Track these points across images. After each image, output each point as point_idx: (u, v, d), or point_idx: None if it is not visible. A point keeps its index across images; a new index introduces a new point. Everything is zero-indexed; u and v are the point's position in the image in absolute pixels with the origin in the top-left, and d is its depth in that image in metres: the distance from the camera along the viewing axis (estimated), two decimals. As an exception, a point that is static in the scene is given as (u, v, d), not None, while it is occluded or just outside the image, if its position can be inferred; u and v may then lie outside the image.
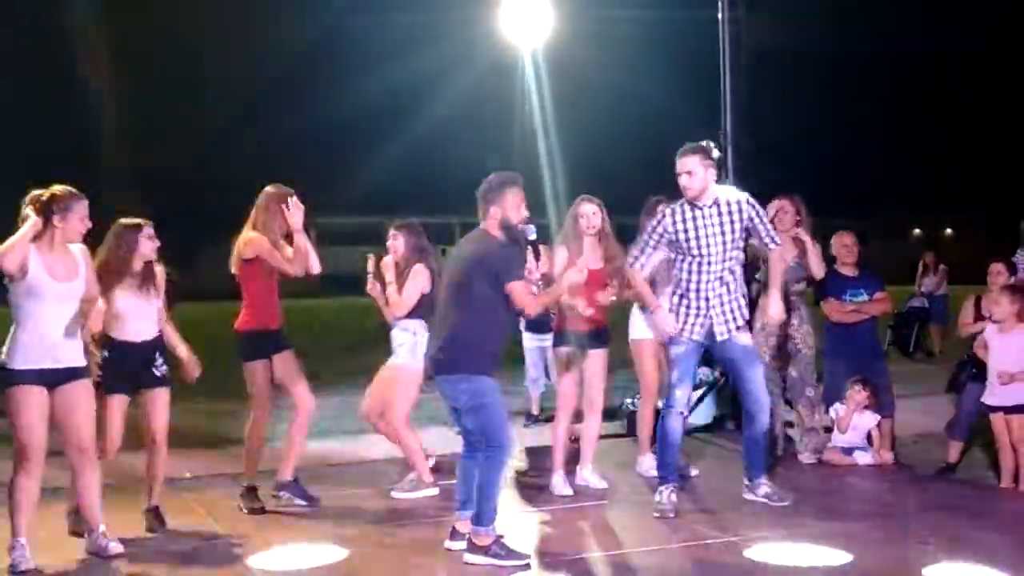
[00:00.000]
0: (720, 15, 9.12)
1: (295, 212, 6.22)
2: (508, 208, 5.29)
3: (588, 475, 6.91)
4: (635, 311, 7.23)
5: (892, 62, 59.12)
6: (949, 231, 63.05)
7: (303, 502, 6.44)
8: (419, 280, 6.65)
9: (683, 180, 6.03)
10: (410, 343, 6.67)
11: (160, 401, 5.95)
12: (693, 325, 6.18)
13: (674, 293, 6.24)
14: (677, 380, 6.23)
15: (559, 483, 6.74)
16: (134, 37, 48.92)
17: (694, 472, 7.14)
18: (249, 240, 6.32)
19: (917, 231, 61.68)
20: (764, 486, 6.31)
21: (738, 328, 6.21)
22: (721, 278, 6.13)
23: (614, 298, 6.82)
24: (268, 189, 6.44)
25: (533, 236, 5.35)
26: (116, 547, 5.41)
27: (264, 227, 6.32)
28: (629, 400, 9.00)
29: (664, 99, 48.06)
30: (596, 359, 6.80)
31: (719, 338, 6.17)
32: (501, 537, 5.27)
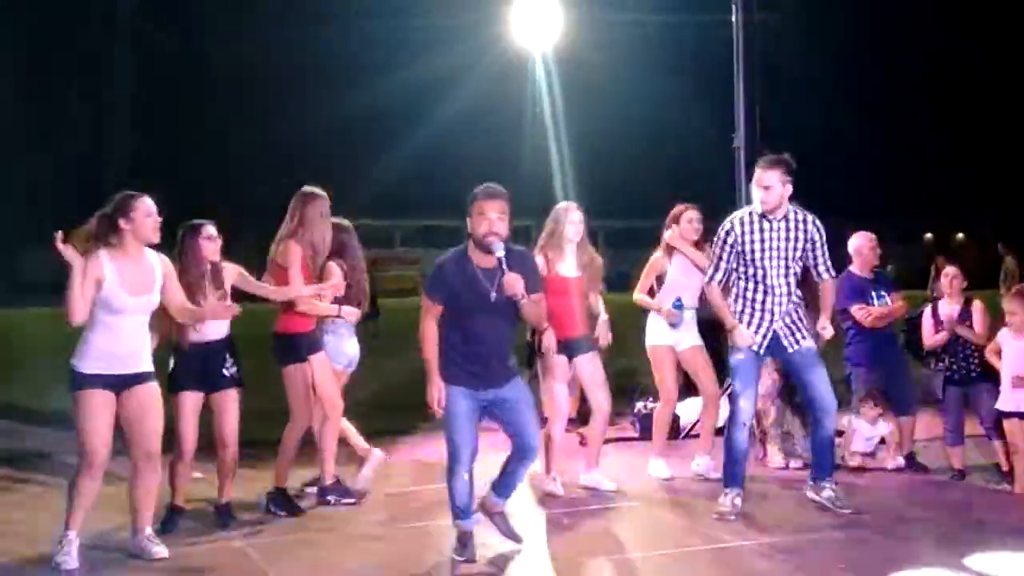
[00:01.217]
0: (734, 18, 9.11)
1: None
2: (471, 221, 5.24)
3: (598, 477, 6.91)
4: (651, 317, 7.23)
5: (904, 65, 59.05)
6: (960, 235, 62.87)
7: (351, 500, 6.50)
8: (331, 279, 6.64)
9: (760, 194, 6.01)
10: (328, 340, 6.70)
11: (229, 402, 5.95)
12: (755, 335, 6.17)
13: (735, 303, 6.23)
14: (740, 390, 6.19)
15: (550, 484, 6.76)
16: (138, 35, 49.07)
17: (715, 475, 7.09)
18: (285, 245, 6.33)
19: (928, 235, 61.51)
20: (828, 489, 6.23)
21: (803, 337, 6.19)
22: (787, 292, 6.15)
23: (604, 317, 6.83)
24: (309, 195, 6.43)
25: (501, 253, 5.14)
26: (160, 551, 5.36)
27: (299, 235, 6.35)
28: (641, 404, 8.99)
29: (676, 103, 48.09)
30: (590, 362, 6.82)
31: (788, 350, 6.17)
32: (464, 533, 5.37)
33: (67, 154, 46.41)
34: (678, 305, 7.08)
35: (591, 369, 6.83)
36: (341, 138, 50.37)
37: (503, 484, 5.51)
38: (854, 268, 7.66)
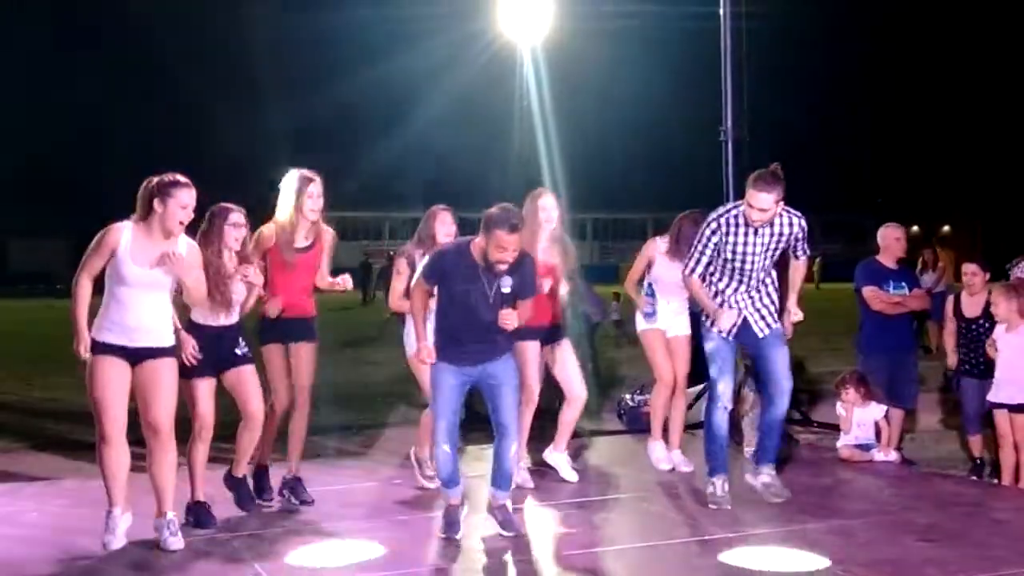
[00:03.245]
0: (721, 10, 9.10)
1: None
2: (486, 244, 5.36)
3: (562, 461, 6.93)
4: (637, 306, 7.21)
5: (892, 60, 59.14)
6: (947, 228, 63.04)
7: (296, 502, 6.27)
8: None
9: (754, 214, 5.94)
10: None
11: (247, 377, 5.85)
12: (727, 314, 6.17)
13: (709, 289, 6.23)
14: (717, 374, 6.20)
15: (525, 477, 6.77)
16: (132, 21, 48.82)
17: (687, 468, 7.12)
18: (262, 228, 6.20)
19: (915, 228, 61.66)
20: (765, 475, 6.26)
21: (774, 320, 6.22)
22: (761, 282, 6.17)
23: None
24: (291, 172, 6.26)
25: (507, 289, 5.39)
26: (177, 542, 5.30)
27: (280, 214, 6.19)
28: (628, 396, 8.98)
29: (664, 94, 48.12)
30: (563, 349, 6.87)
31: (759, 336, 6.18)
32: (450, 507, 5.61)
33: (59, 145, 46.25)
34: (650, 293, 7.09)
35: (564, 356, 6.86)
36: (329, 130, 50.27)
37: (494, 473, 5.68)
38: (880, 257, 7.73)
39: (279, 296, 6.10)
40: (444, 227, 6.54)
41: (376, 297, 26.52)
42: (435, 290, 5.61)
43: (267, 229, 6.18)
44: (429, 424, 6.44)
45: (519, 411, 6.69)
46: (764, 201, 5.90)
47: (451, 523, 5.55)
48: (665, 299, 7.10)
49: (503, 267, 5.37)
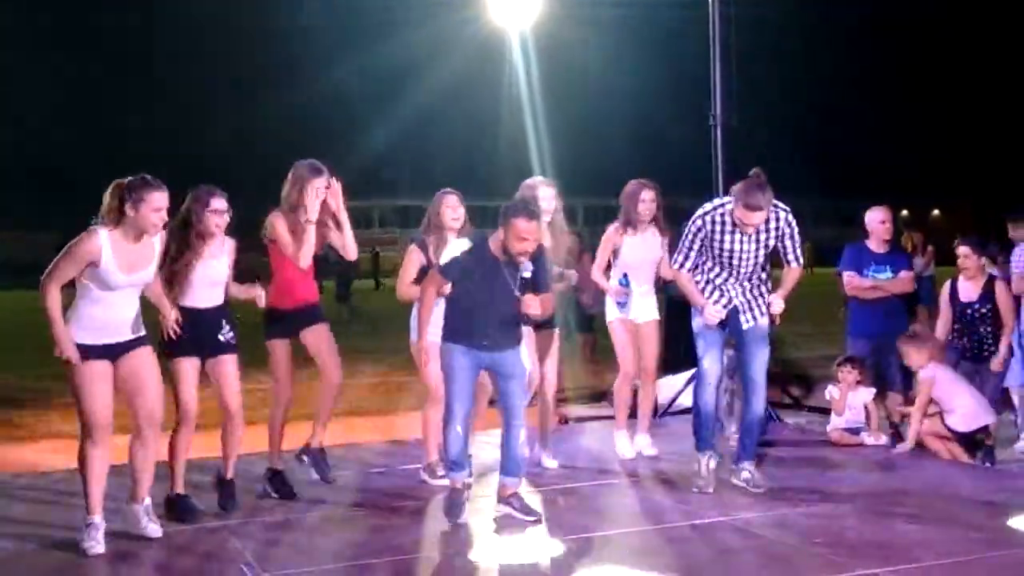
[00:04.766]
0: (709, -5, 9.09)
1: (314, 200, 6.01)
2: (504, 235, 5.44)
3: (546, 454, 6.98)
4: (608, 295, 7.22)
5: (883, 44, 59.15)
6: (936, 212, 63.15)
7: (317, 476, 6.35)
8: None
9: (748, 229, 5.91)
10: None
11: (229, 368, 5.80)
12: (716, 304, 6.17)
13: (699, 278, 6.23)
14: (703, 351, 6.22)
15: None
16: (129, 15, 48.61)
17: (652, 451, 7.16)
18: (269, 220, 6.13)
19: (904, 212, 61.73)
20: (745, 471, 6.25)
21: (761, 314, 6.21)
22: (751, 275, 6.16)
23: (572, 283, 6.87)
24: (298, 164, 6.15)
25: (527, 274, 5.49)
26: (155, 529, 5.30)
27: (290, 206, 6.10)
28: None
29: (654, 80, 48.07)
30: (547, 337, 6.89)
31: (744, 326, 6.18)
32: (453, 490, 5.65)
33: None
34: (624, 283, 7.08)
35: (547, 343, 6.90)
36: (317, 118, 50.14)
37: (504, 460, 5.71)
38: (868, 240, 7.72)
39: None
40: (451, 211, 6.47)
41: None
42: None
43: (279, 225, 6.09)
44: (431, 423, 6.42)
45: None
46: (757, 218, 5.90)
47: (454, 507, 5.58)
48: (635, 282, 7.10)
49: (524, 258, 5.44)
